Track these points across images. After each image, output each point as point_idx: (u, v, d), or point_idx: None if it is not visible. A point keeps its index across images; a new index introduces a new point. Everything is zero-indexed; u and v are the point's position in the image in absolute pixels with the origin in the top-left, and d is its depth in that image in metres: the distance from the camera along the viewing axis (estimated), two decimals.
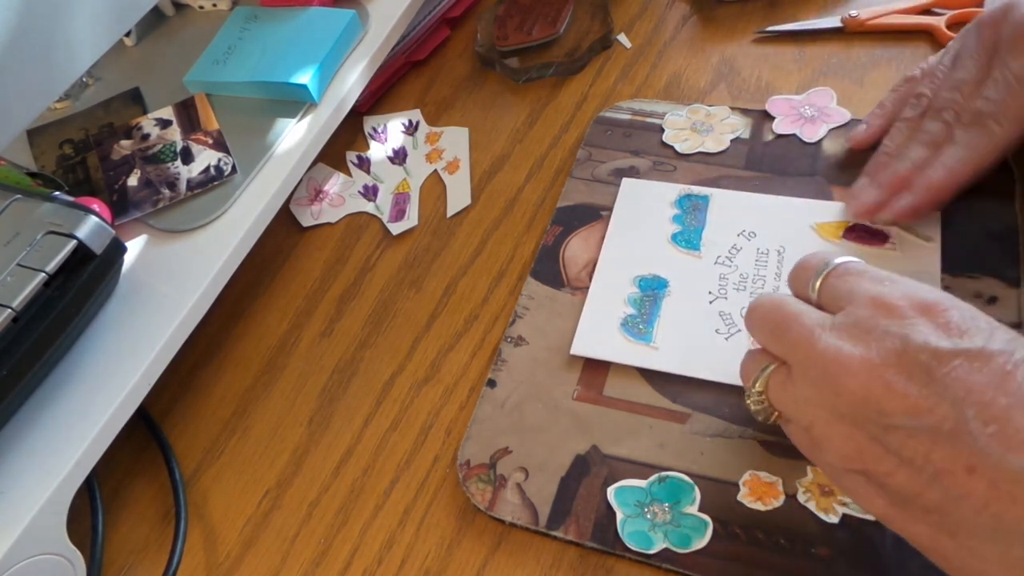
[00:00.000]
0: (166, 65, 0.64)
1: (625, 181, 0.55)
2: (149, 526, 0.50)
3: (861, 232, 0.48)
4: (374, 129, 0.66)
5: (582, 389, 0.47)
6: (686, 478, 0.42)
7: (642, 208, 0.54)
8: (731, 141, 0.55)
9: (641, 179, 0.55)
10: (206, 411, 0.54)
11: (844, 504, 0.40)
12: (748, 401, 0.38)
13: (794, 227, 0.50)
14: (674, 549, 0.40)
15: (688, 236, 0.51)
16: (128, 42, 0.68)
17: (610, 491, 0.42)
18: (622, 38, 0.66)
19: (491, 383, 0.48)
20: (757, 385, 0.37)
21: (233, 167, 0.55)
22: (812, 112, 0.55)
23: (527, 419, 0.46)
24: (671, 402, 0.45)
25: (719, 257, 0.50)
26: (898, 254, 0.47)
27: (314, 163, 0.60)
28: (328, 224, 0.62)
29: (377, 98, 0.68)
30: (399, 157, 0.64)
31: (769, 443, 0.42)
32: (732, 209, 0.52)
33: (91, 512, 0.47)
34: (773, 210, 0.51)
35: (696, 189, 0.53)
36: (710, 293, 0.48)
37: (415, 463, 0.48)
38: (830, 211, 0.50)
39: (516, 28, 0.66)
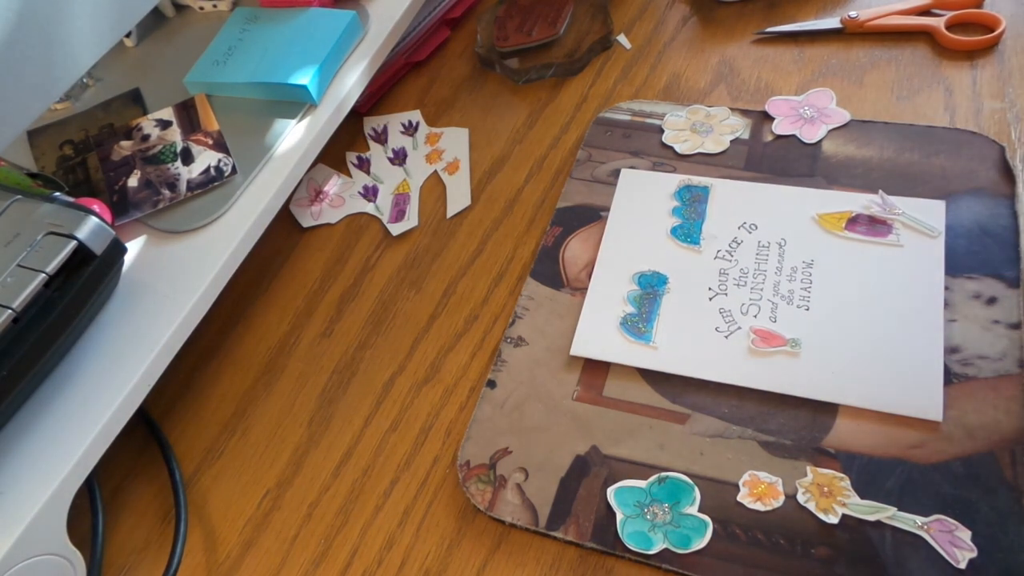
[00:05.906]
0: (166, 66, 0.64)
1: (624, 172, 0.55)
2: (149, 526, 0.50)
3: (864, 223, 0.48)
4: (374, 130, 0.66)
5: (582, 389, 0.47)
6: (686, 478, 0.42)
7: (641, 200, 0.54)
8: (731, 142, 0.55)
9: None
10: (206, 411, 0.54)
11: (844, 504, 0.40)
12: None
13: (796, 218, 0.50)
14: (674, 549, 0.40)
15: (688, 230, 0.51)
16: (128, 43, 0.68)
17: (610, 491, 0.42)
18: (622, 39, 0.66)
19: (491, 383, 0.48)
20: None
21: (233, 168, 0.55)
22: (812, 113, 0.55)
23: (527, 419, 0.46)
24: (671, 402, 0.45)
25: (719, 251, 0.50)
26: (901, 248, 0.47)
27: (314, 164, 0.60)
28: (328, 225, 0.62)
29: (377, 99, 0.68)
30: (399, 158, 0.64)
31: (769, 443, 0.42)
32: (732, 200, 0.52)
33: (91, 512, 0.47)
34: (774, 200, 0.51)
35: (696, 179, 0.53)
36: (710, 289, 0.48)
37: (415, 464, 0.48)
38: (832, 201, 0.50)
39: (516, 29, 0.66)
